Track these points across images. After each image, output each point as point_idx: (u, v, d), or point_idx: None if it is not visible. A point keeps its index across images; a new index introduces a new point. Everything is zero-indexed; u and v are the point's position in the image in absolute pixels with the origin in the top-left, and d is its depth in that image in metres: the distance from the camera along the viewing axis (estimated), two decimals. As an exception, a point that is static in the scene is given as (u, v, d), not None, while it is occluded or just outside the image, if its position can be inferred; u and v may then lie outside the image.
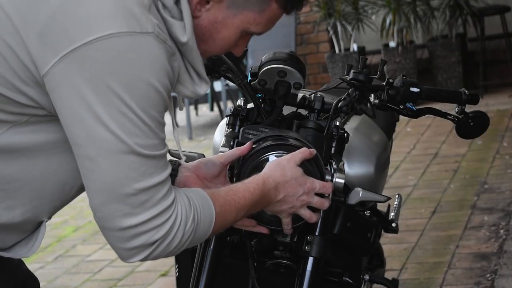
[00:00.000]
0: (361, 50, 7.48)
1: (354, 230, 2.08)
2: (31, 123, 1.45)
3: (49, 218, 1.60)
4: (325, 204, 1.77)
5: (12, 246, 1.58)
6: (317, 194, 1.76)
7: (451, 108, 2.10)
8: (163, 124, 1.46)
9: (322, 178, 1.83)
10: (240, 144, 1.91)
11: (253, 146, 1.84)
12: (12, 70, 1.39)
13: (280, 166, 1.71)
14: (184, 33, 1.48)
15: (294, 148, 1.81)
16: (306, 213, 1.76)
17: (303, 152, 1.75)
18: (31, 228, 1.59)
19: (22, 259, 1.72)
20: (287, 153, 1.80)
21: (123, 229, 1.44)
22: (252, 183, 1.66)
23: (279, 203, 1.72)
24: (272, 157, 1.81)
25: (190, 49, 1.50)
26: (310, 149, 1.77)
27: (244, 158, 1.82)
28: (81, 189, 1.57)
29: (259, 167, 1.81)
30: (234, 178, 1.84)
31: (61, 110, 1.40)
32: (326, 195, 1.79)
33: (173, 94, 1.53)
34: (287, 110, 2.01)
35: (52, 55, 1.36)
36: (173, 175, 1.77)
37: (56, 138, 1.47)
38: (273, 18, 1.61)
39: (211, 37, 1.56)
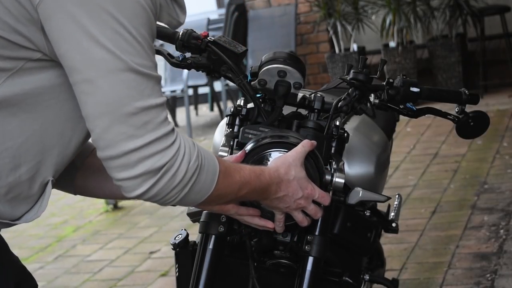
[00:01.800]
0: (361, 50, 7.49)
1: (354, 230, 2.09)
2: (26, 72, 1.47)
3: (54, 177, 1.60)
4: (318, 214, 1.81)
5: (21, 215, 1.59)
6: (314, 202, 1.79)
7: (451, 108, 2.10)
8: (153, 48, 1.49)
9: (322, 178, 1.83)
10: (240, 144, 1.92)
11: (253, 145, 1.84)
12: (5, 8, 1.42)
13: (286, 163, 1.74)
14: None
15: (294, 146, 1.81)
16: (299, 216, 1.80)
17: (306, 146, 1.78)
18: (38, 190, 1.59)
19: (21, 261, 1.72)
20: (287, 151, 1.81)
21: (128, 152, 1.45)
22: (259, 168, 1.70)
23: (276, 200, 1.74)
24: (273, 154, 1.82)
25: None
26: (311, 141, 1.80)
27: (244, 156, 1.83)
28: (79, 143, 1.59)
29: (259, 164, 1.82)
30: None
31: (56, 38, 1.42)
32: (322, 205, 1.82)
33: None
34: (287, 110, 2.01)
35: None
36: None
37: (51, 87, 1.49)
38: None
39: None
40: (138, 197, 1.50)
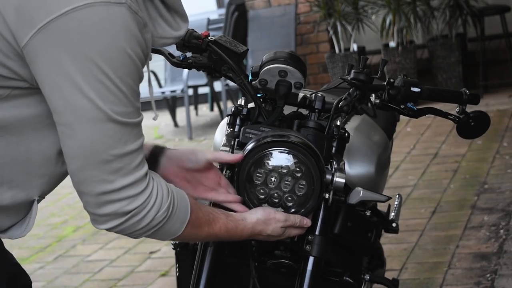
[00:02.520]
0: (361, 50, 7.48)
1: (355, 230, 2.08)
2: (14, 97, 1.48)
3: (41, 196, 1.62)
4: (306, 222, 1.87)
5: (7, 229, 1.61)
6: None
7: (452, 108, 2.10)
8: (138, 93, 1.50)
9: (322, 178, 1.84)
10: (241, 143, 1.92)
11: (254, 144, 1.85)
12: None
13: (266, 220, 1.80)
14: None
15: (295, 145, 1.81)
16: (294, 233, 1.87)
17: (298, 220, 1.84)
18: (23, 208, 1.61)
19: (22, 261, 1.73)
20: (287, 150, 1.81)
21: (98, 194, 1.50)
22: (233, 224, 1.75)
23: (260, 238, 1.84)
24: (274, 154, 1.82)
25: None
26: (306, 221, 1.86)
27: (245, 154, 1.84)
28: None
29: (259, 163, 1.82)
30: (235, 176, 1.85)
31: (40, 79, 1.44)
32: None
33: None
34: (288, 109, 2.01)
35: (30, 27, 1.40)
36: (154, 162, 1.81)
37: (38, 112, 1.51)
38: None
39: None
40: (106, 229, 1.56)
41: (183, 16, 1.62)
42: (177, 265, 2.22)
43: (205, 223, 1.69)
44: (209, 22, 8.04)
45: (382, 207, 2.59)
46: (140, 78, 1.50)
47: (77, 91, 1.42)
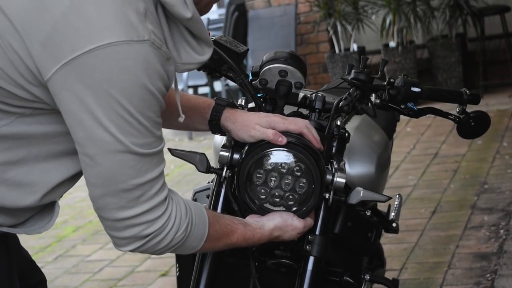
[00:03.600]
0: (361, 50, 7.48)
1: (355, 230, 2.08)
2: (37, 115, 1.53)
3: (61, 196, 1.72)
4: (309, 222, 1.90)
5: (25, 221, 1.66)
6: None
7: (452, 108, 2.10)
8: (159, 123, 1.54)
9: (323, 178, 1.84)
10: (241, 144, 1.92)
11: (254, 144, 1.85)
12: (18, 72, 1.46)
13: (283, 227, 1.84)
14: (187, 9, 1.53)
15: (294, 144, 1.82)
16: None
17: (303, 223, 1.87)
18: (45, 207, 1.69)
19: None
20: (287, 150, 1.81)
21: (118, 220, 1.54)
22: (250, 232, 1.80)
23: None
24: (274, 153, 1.83)
25: (196, 22, 1.56)
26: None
27: (245, 154, 1.84)
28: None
29: (259, 163, 1.82)
30: (235, 176, 1.85)
31: (63, 111, 1.48)
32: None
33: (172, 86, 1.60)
34: (288, 109, 2.01)
35: (54, 63, 1.43)
36: (215, 120, 1.96)
37: (60, 127, 1.54)
38: None
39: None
40: (129, 251, 1.62)
41: (208, 42, 1.63)
42: (177, 265, 2.22)
43: (224, 235, 1.74)
44: (209, 22, 8.04)
45: (382, 207, 2.59)
46: (161, 108, 1.53)
47: (98, 125, 1.46)
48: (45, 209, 1.69)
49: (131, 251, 1.60)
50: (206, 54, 1.63)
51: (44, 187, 1.60)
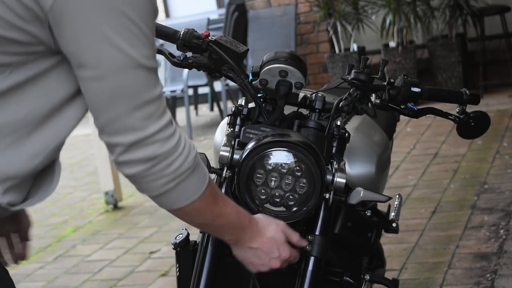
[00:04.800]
0: (361, 50, 7.49)
1: (355, 230, 2.09)
2: (30, 62, 1.48)
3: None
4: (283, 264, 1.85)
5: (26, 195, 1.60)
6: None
7: (452, 108, 2.10)
8: (154, 33, 1.53)
9: (323, 178, 1.84)
10: (241, 143, 1.92)
11: (254, 144, 1.85)
12: (12, 11, 1.43)
13: (269, 222, 1.80)
14: None
15: (294, 144, 1.82)
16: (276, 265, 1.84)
17: (294, 236, 1.85)
18: (49, 168, 1.62)
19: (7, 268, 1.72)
20: (287, 150, 1.81)
21: (131, 143, 1.50)
22: (242, 209, 1.75)
23: (250, 251, 1.79)
24: (274, 153, 1.83)
25: None
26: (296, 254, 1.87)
27: (245, 154, 1.84)
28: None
29: (260, 163, 1.82)
30: (235, 177, 1.85)
31: (67, 39, 1.45)
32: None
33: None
34: (288, 109, 2.01)
35: None
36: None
37: (54, 68, 1.51)
38: None
39: None
40: (128, 176, 1.55)
41: None
42: (177, 265, 2.22)
43: (220, 196, 1.68)
44: (209, 22, 8.04)
45: (382, 207, 2.59)
46: (155, 16, 1.52)
47: (106, 42, 1.43)
48: (44, 171, 1.62)
49: (137, 175, 1.54)
50: None
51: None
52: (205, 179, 1.62)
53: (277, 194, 1.85)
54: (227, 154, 1.92)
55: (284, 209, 1.85)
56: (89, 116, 1.57)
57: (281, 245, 1.80)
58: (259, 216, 1.81)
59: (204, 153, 1.99)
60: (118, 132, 1.50)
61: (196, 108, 8.51)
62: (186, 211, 1.63)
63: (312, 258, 1.92)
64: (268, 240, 1.78)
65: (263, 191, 1.85)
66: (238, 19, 7.86)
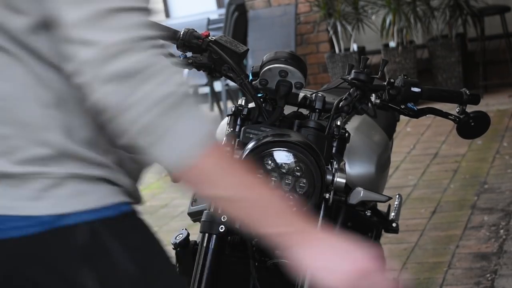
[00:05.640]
0: (361, 50, 7.48)
1: (355, 230, 2.09)
2: None
3: None
4: None
5: None
6: None
7: (452, 108, 2.10)
8: None
9: (323, 176, 1.84)
10: (241, 143, 1.92)
11: (254, 144, 1.85)
12: None
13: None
14: None
15: (294, 144, 1.82)
16: None
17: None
18: None
19: None
20: (287, 150, 1.81)
21: (112, 10, 1.21)
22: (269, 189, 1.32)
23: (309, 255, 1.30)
24: (275, 153, 1.83)
25: None
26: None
27: (245, 154, 1.84)
28: None
29: (260, 163, 1.82)
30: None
31: None
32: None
33: None
34: (288, 109, 2.01)
35: None
36: None
37: None
38: None
39: None
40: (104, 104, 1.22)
41: None
42: (177, 265, 2.22)
43: (230, 157, 1.33)
44: (209, 22, 8.04)
45: (382, 207, 2.59)
46: None
47: None
48: None
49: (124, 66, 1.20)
50: None
51: None
52: (205, 128, 1.24)
53: (277, 194, 1.85)
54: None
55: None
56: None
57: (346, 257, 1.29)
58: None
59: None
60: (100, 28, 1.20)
61: (196, 108, 8.51)
62: (190, 177, 1.26)
63: (312, 258, 1.91)
64: (319, 249, 1.29)
65: (263, 191, 1.85)
66: (238, 19, 7.86)
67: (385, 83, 2.05)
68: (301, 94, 2.02)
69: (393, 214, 2.60)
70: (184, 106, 1.22)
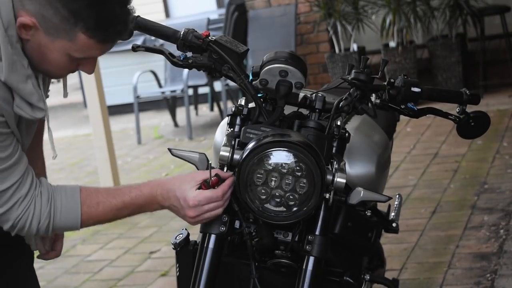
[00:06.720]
0: (361, 50, 7.49)
1: (355, 230, 2.08)
2: None
3: None
4: (218, 210, 1.89)
5: None
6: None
7: (452, 108, 2.10)
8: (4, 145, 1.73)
9: (323, 176, 1.84)
10: (241, 143, 1.92)
11: (254, 144, 1.85)
12: None
13: (179, 180, 1.88)
14: (1, 73, 1.68)
15: (294, 144, 1.82)
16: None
17: (204, 174, 1.88)
18: None
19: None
20: (287, 150, 1.81)
21: None
22: (136, 189, 1.88)
23: (176, 211, 1.90)
24: (275, 153, 1.83)
25: (11, 86, 1.70)
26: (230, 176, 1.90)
27: (245, 154, 1.84)
28: None
29: (260, 163, 1.82)
30: (236, 176, 1.85)
31: None
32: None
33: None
34: (288, 109, 2.01)
35: None
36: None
37: None
38: (88, 46, 1.72)
39: (44, 58, 1.74)
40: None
41: (37, 107, 1.76)
42: (177, 265, 2.22)
43: (104, 204, 1.86)
44: (209, 22, 8.05)
45: (382, 207, 2.59)
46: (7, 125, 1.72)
47: None
48: None
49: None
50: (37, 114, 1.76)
51: None
52: (77, 214, 1.85)
53: (277, 194, 1.85)
54: (227, 154, 1.92)
55: (284, 209, 1.85)
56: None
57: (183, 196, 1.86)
58: (171, 179, 1.89)
59: (204, 153, 1.99)
60: None
61: (196, 108, 8.51)
62: (82, 225, 1.89)
63: (312, 258, 1.92)
64: (171, 198, 1.88)
65: (263, 191, 1.85)
66: (238, 19, 7.86)
67: (385, 83, 2.05)
68: (301, 94, 2.02)
69: (393, 214, 2.60)
70: (55, 221, 1.86)
